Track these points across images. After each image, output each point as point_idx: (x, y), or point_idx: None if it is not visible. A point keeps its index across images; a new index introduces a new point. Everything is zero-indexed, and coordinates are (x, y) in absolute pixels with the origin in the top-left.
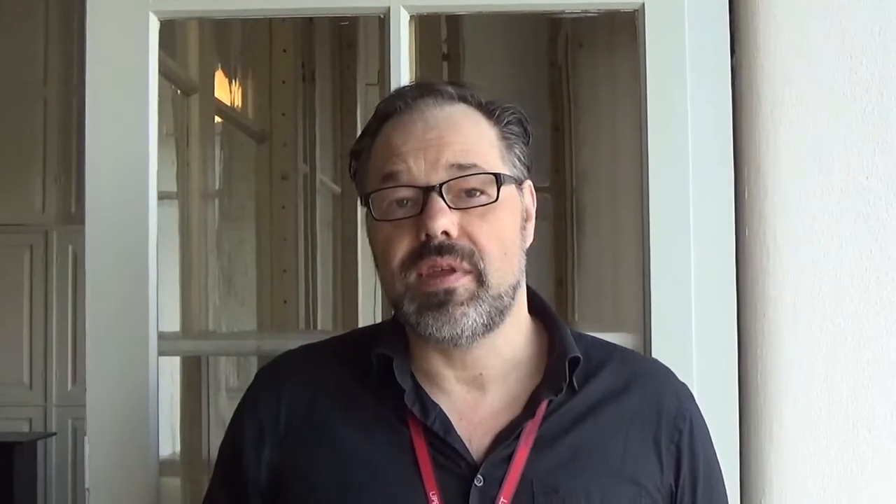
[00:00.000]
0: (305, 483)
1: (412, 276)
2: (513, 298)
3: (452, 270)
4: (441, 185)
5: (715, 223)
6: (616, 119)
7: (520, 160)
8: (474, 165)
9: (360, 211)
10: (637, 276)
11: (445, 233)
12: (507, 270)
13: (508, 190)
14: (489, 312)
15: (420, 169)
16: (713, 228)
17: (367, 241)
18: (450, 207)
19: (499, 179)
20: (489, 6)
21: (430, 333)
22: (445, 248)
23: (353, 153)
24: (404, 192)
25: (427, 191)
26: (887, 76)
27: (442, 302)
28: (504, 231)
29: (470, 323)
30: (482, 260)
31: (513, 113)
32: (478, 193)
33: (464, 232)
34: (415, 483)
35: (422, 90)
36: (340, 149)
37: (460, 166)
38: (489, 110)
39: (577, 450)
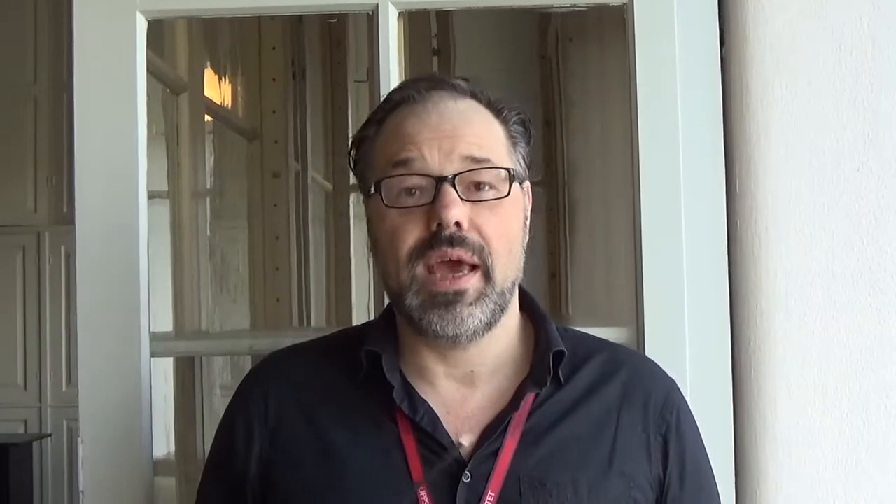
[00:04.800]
0: (295, 481)
1: (420, 268)
2: (511, 295)
3: (460, 263)
4: (454, 175)
5: (707, 215)
6: (607, 112)
7: (524, 159)
8: (487, 160)
9: (353, 206)
10: (630, 268)
11: (457, 224)
12: (511, 267)
13: (516, 187)
14: (493, 310)
15: (434, 158)
16: (705, 220)
17: (359, 237)
18: (462, 199)
19: (511, 175)
20: (477, 1)
21: (433, 330)
22: (456, 240)
23: (355, 141)
24: (415, 181)
25: (440, 181)
26: (876, 67)
27: (451, 302)
28: (511, 227)
29: (475, 323)
30: (490, 256)
31: (518, 114)
32: (488, 188)
33: (473, 225)
34: (404, 479)
35: (434, 83)
36: (332, 146)
37: (474, 159)
38: (497, 109)
39: (564, 443)
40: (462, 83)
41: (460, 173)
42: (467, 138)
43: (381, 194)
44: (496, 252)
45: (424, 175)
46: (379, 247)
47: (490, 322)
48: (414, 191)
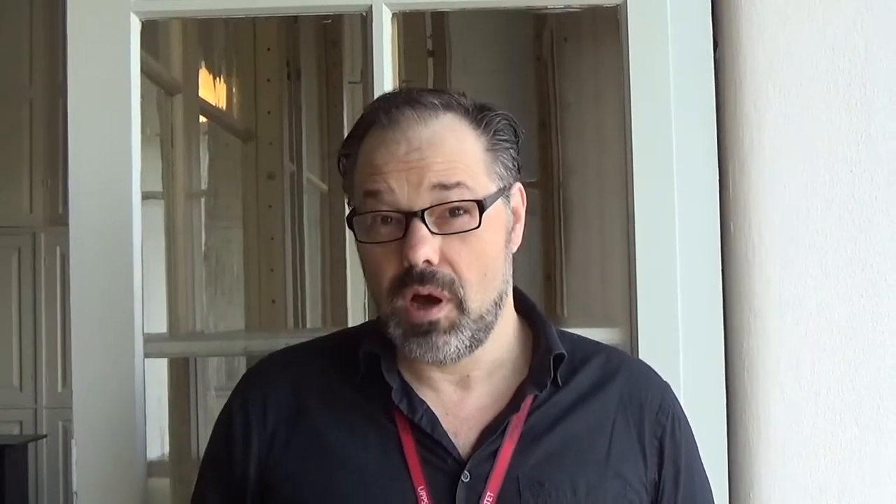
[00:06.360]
0: (294, 483)
1: (399, 301)
2: (497, 311)
3: (434, 298)
4: (423, 210)
5: (700, 217)
6: (602, 113)
7: (507, 167)
8: (458, 184)
9: (348, 208)
10: (624, 270)
11: (427, 261)
12: (488, 291)
13: (491, 208)
14: (471, 337)
15: (403, 191)
16: (698, 222)
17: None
18: (432, 232)
19: (481, 206)
20: (472, 3)
21: (415, 356)
22: (427, 277)
23: (340, 156)
24: (387, 211)
25: (409, 216)
26: (869, 69)
27: (426, 331)
28: (486, 252)
29: (452, 350)
30: (462, 287)
31: (502, 119)
32: (461, 213)
33: (444, 258)
34: (403, 479)
35: (404, 101)
36: (327, 147)
37: (443, 186)
38: (477, 118)
39: (562, 444)
40: (434, 99)
41: (429, 207)
42: (435, 166)
43: (354, 231)
44: (468, 282)
45: (394, 210)
46: (364, 270)
47: (471, 346)
48: (388, 219)
